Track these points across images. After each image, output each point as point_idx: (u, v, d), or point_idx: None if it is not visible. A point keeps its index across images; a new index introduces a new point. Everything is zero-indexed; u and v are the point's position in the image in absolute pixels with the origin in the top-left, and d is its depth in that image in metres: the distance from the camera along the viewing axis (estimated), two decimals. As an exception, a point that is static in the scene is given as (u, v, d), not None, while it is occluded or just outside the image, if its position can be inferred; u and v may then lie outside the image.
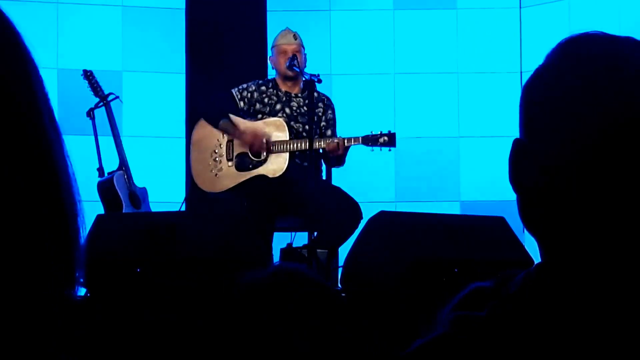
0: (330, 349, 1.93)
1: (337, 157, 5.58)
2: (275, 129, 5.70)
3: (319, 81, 5.53)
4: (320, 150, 5.68)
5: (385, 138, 5.60)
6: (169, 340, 3.58)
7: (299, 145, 5.61)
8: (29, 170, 0.71)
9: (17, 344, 0.69)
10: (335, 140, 5.54)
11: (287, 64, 5.73)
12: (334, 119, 5.92)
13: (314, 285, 1.96)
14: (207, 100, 6.04)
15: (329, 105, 5.92)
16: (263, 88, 5.85)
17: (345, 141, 5.54)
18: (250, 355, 1.89)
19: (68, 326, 0.72)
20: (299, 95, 5.84)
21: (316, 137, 5.69)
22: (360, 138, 5.56)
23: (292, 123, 5.76)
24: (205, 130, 5.82)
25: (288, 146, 5.63)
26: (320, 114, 5.85)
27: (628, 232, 1.02)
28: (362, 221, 5.25)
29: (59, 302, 0.72)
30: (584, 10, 7.17)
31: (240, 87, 5.87)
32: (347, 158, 5.65)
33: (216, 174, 5.74)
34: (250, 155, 5.71)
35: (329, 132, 5.85)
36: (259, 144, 5.63)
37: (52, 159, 0.73)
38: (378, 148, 5.62)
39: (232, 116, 5.77)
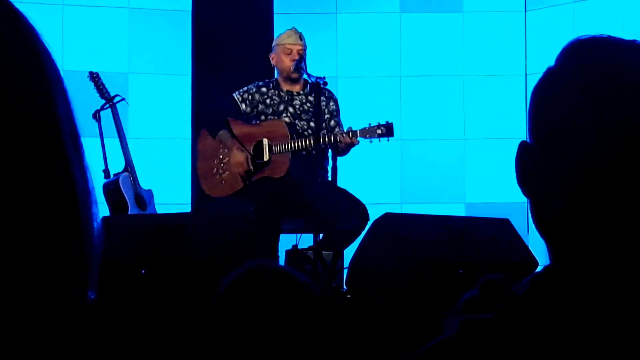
0: (302, 336, 1.96)
1: (344, 149, 5.60)
2: (277, 131, 5.70)
3: (325, 84, 5.54)
4: (329, 153, 5.69)
5: (383, 129, 5.58)
6: (170, 341, 3.59)
7: (300, 143, 5.61)
8: (46, 183, 0.72)
9: (26, 344, 0.70)
10: (342, 138, 5.53)
11: (294, 67, 5.73)
12: (337, 109, 5.92)
13: (281, 277, 2.01)
14: (208, 108, 6.06)
15: (330, 97, 5.93)
16: (264, 89, 5.85)
17: (345, 135, 5.53)
18: (233, 349, 1.92)
19: (79, 327, 0.73)
20: (301, 92, 5.85)
21: (323, 132, 5.71)
22: (357, 131, 5.55)
23: (296, 121, 5.76)
24: (209, 137, 5.85)
25: (289, 145, 5.64)
26: (323, 106, 5.85)
27: (638, 235, 1.02)
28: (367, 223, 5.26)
29: (70, 304, 0.73)
30: (588, 13, 7.16)
31: (241, 90, 5.88)
32: (350, 158, 5.68)
33: (222, 179, 5.75)
34: (254, 158, 5.72)
35: (332, 123, 5.86)
36: (239, 170, 5.67)
37: (70, 175, 0.74)
38: (377, 139, 5.61)
39: (232, 121, 5.78)
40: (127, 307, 4.05)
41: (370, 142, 5.62)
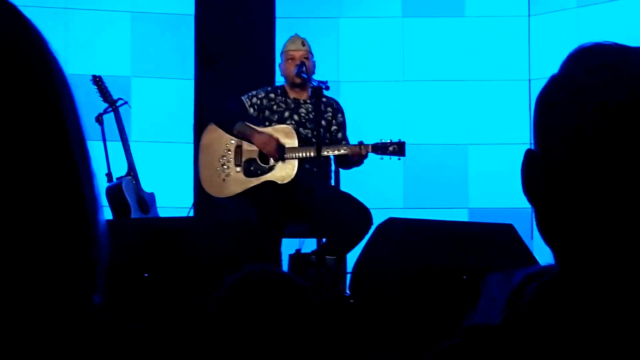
0: (301, 339, 1.96)
1: (355, 162, 5.60)
2: (285, 136, 5.69)
3: (327, 88, 5.54)
4: (332, 157, 5.68)
5: (395, 147, 5.58)
6: (172, 344, 3.60)
7: (308, 153, 5.59)
8: (53, 188, 0.72)
9: (33, 348, 0.70)
10: (351, 150, 5.52)
11: (296, 71, 5.73)
12: (344, 122, 5.92)
13: (280, 280, 2.01)
14: (218, 106, 6.03)
15: (338, 109, 5.92)
16: (272, 95, 5.85)
17: (361, 149, 5.53)
18: (232, 351, 1.93)
19: (84, 330, 0.74)
20: (308, 101, 5.84)
21: (326, 141, 5.70)
22: (370, 146, 5.55)
23: (300, 129, 5.75)
24: (214, 135, 5.81)
25: (298, 154, 5.62)
26: (330, 118, 5.85)
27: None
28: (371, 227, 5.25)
29: (77, 308, 0.74)
30: (592, 18, 7.17)
31: (249, 94, 5.87)
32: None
33: (224, 179, 5.73)
34: (258, 162, 5.70)
35: (339, 135, 5.85)
36: (271, 148, 5.62)
37: (77, 181, 0.74)
38: (387, 157, 5.60)
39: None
40: (129, 310, 4.05)
41: (381, 159, 5.61)
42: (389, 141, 5.58)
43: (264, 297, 1.99)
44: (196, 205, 6.55)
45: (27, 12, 0.78)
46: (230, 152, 5.76)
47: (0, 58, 0.73)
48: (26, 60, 0.74)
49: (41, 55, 0.76)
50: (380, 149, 5.56)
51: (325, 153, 5.54)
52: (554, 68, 1.12)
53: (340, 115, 5.91)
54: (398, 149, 5.58)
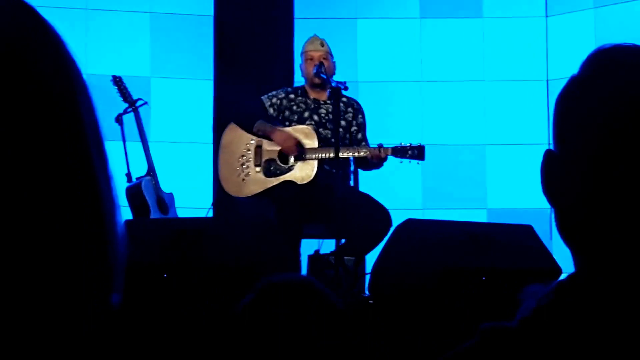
0: (324, 348, 1.96)
1: (374, 164, 5.58)
2: (304, 137, 5.69)
3: (345, 88, 5.52)
4: (351, 158, 5.67)
5: (415, 150, 5.56)
6: (192, 344, 3.60)
7: (327, 155, 5.59)
8: (70, 190, 0.73)
9: (52, 347, 0.71)
10: (370, 152, 5.51)
11: (314, 71, 5.72)
12: (364, 122, 5.91)
13: (308, 291, 2.00)
14: (238, 106, 6.03)
15: (358, 109, 5.92)
16: (292, 96, 5.85)
17: (380, 151, 5.52)
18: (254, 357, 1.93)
19: (103, 330, 0.74)
20: (327, 102, 5.83)
21: (346, 142, 5.70)
22: (389, 149, 5.54)
23: (320, 130, 5.75)
24: (234, 134, 5.81)
25: (317, 154, 5.62)
26: (350, 118, 5.85)
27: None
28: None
29: (97, 308, 0.74)
30: (609, 19, 7.14)
31: (269, 94, 5.86)
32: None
33: (243, 179, 5.74)
34: (278, 162, 5.70)
35: (359, 136, 5.85)
36: (290, 145, 5.62)
37: (95, 182, 0.75)
38: (407, 160, 5.59)
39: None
40: (149, 311, 4.06)
41: (401, 162, 5.60)
42: (408, 144, 5.57)
43: (289, 307, 1.99)
44: (215, 204, 6.56)
45: (46, 13, 0.78)
46: (250, 152, 5.76)
47: (18, 60, 0.73)
48: (43, 62, 0.75)
49: (59, 56, 0.77)
50: (400, 152, 5.55)
51: (344, 154, 5.53)
52: (571, 68, 1.13)
53: (360, 116, 5.91)
54: (417, 152, 5.55)
